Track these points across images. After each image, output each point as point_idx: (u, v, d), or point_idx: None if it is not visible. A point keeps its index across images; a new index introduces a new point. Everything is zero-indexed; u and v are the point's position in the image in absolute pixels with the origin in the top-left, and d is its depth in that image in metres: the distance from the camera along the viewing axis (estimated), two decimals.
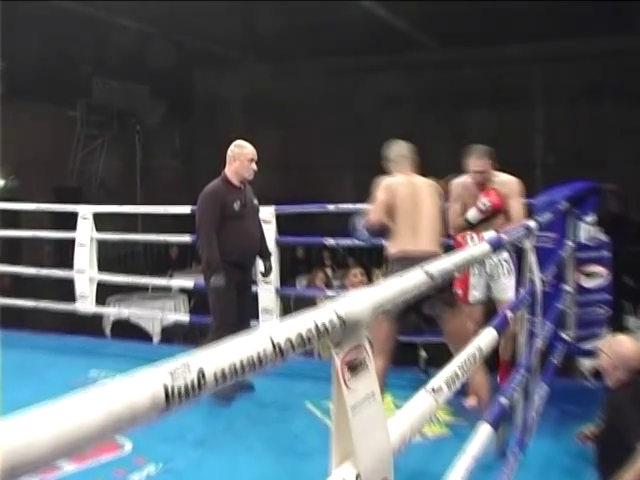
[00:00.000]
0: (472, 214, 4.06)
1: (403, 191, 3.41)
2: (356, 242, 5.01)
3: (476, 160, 4.02)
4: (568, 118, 11.53)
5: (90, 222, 5.64)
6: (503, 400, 2.69)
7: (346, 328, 1.23)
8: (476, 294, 4.12)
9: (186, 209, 5.22)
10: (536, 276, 3.24)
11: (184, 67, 12.22)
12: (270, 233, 4.94)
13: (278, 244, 5.14)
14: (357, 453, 1.24)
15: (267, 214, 4.95)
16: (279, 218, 5.13)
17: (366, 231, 3.53)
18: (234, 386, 3.90)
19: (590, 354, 4.10)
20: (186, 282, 6.49)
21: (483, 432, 2.40)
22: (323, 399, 3.84)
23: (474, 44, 11.02)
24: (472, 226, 4.08)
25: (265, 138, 7.81)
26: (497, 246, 2.54)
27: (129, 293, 8.02)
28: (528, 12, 8.86)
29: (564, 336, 4.46)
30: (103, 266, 5.78)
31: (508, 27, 9.68)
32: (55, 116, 11.31)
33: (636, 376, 2.91)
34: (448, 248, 3.69)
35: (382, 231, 3.45)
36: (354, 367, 1.28)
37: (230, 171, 4.17)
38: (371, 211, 3.45)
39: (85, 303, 5.67)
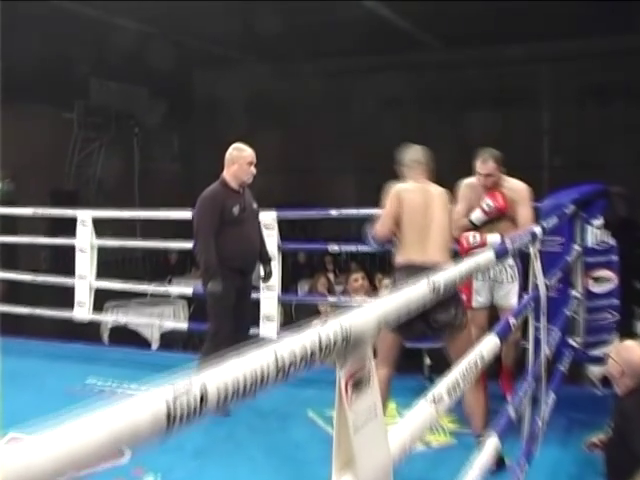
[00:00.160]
0: (476, 215, 4.01)
1: (413, 199, 3.33)
2: (359, 247, 4.96)
3: (482, 164, 3.98)
4: (574, 119, 11.44)
5: (90, 228, 5.50)
6: (510, 411, 2.64)
7: (350, 343, 1.21)
8: (480, 299, 4.08)
9: (187, 214, 5.14)
10: (540, 282, 3.18)
11: (183, 68, 12.13)
12: (272, 239, 4.87)
13: (280, 249, 5.07)
14: (357, 465, 1.25)
15: (269, 219, 4.87)
16: (280, 222, 5.05)
17: (373, 242, 3.49)
18: None
19: (599, 361, 4.04)
20: (185, 289, 6.36)
21: (490, 444, 2.36)
22: (325, 407, 3.78)
23: (477, 44, 10.93)
24: (476, 228, 4.02)
25: (265, 139, 7.77)
26: (502, 254, 2.51)
27: (127, 299, 7.93)
28: (529, 12, 8.80)
29: (572, 342, 4.39)
30: (101, 271, 5.69)
31: (511, 27, 9.61)
32: (52, 118, 11.19)
33: None
34: (454, 253, 3.63)
35: (390, 241, 3.40)
36: (357, 382, 1.27)
37: (229, 174, 4.09)
38: (379, 223, 3.39)
39: (82, 310, 5.57)
